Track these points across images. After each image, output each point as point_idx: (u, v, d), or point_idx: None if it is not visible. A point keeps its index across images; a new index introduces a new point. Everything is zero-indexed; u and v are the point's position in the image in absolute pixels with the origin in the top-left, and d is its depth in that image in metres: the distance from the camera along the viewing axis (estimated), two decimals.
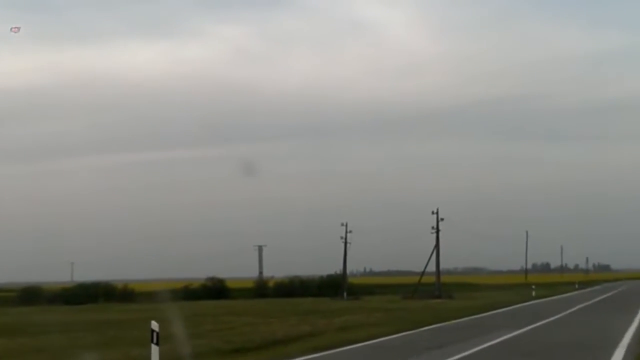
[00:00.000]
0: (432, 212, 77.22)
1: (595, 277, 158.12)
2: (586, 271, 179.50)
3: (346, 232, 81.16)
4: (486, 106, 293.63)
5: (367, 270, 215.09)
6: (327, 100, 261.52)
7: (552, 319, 32.97)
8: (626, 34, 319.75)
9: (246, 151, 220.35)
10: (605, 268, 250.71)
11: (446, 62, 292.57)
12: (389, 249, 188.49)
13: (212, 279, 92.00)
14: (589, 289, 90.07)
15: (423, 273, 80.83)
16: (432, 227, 77.13)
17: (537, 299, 56.74)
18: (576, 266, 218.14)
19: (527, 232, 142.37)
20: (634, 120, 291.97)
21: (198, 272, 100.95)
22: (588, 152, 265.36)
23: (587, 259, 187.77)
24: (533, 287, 63.70)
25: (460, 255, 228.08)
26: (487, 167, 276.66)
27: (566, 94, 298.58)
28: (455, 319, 33.78)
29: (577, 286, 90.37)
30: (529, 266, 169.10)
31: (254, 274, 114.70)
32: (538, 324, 29.70)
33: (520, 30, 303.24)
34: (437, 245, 77.70)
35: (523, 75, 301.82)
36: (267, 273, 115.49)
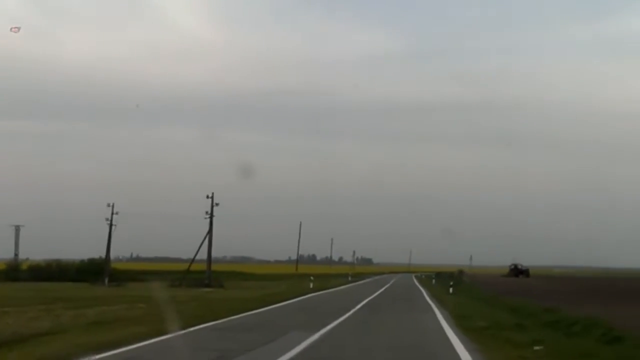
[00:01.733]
0: (207, 197, 71.42)
1: (360, 270, 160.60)
2: (353, 264, 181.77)
3: (112, 213, 74.25)
4: (263, 98, 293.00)
5: (135, 255, 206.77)
6: (106, 81, 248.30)
7: (347, 315, 27.37)
8: (408, 40, 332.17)
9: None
10: (368, 261, 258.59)
11: (228, 51, 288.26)
12: (159, 234, 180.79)
13: None
14: (362, 281, 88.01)
15: (193, 260, 74.90)
16: (207, 212, 71.41)
17: (317, 290, 51.83)
18: (340, 258, 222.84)
19: (300, 223, 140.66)
20: (407, 121, 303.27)
21: None
22: (358, 151, 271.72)
23: (354, 252, 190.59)
24: (311, 278, 58.93)
25: (229, 243, 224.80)
26: (262, 157, 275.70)
27: (346, 92, 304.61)
28: (232, 314, 27.35)
29: (350, 278, 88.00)
30: (295, 257, 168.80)
31: (11, 256, 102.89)
32: (336, 322, 23.82)
33: (306, 27, 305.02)
34: (210, 231, 71.82)
35: (306, 70, 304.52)
36: (24, 255, 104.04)
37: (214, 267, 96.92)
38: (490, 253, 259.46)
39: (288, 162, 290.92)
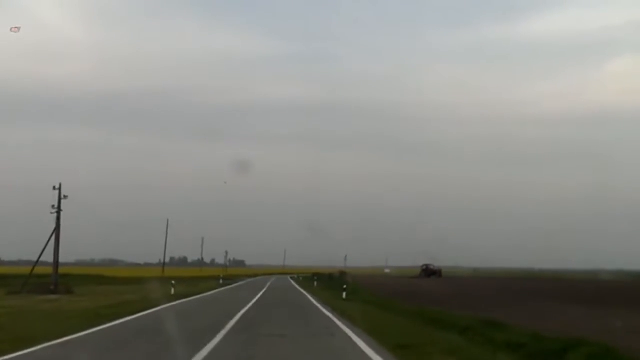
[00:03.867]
0: (54, 188, 58.40)
1: (233, 272, 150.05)
2: (225, 266, 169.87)
3: None
4: (134, 99, 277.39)
5: None
6: None
7: (213, 345, 16.02)
8: (279, 43, 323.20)
9: None
10: (241, 263, 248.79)
11: (95, 51, 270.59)
12: (21, 236, 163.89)
13: None
14: (235, 284, 76.51)
15: (37, 262, 61.53)
16: (53, 207, 58.31)
17: (179, 298, 39.96)
18: (213, 260, 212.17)
19: (168, 221, 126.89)
20: (279, 121, 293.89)
21: None
22: (231, 152, 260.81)
23: (226, 253, 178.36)
24: (172, 282, 46.54)
25: (98, 245, 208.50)
26: (133, 159, 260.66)
27: (216, 93, 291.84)
28: (31, 344, 15.81)
29: (221, 281, 75.88)
30: (167, 260, 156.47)
31: None
32: None
33: (173, 26, 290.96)
34: (57, 228, 58.57)
35: (172, 70, 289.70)
36: None
37: (76, 270, 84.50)
38: (364, 254, 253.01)
39: (160, 164, 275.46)
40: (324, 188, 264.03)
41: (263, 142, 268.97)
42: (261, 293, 50.97)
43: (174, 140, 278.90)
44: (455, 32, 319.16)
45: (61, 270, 65.15)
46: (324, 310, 30.45)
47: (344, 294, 41.36)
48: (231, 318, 24.59)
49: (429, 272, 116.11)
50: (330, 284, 72.13)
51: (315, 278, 79.46)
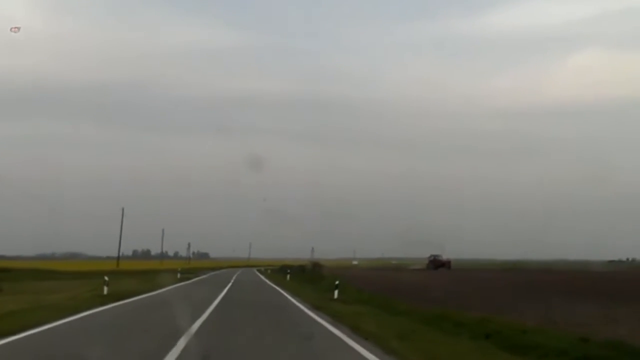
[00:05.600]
0: None
1: (196, 265, 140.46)
2: (188, 258, 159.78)
3: None
4: (93, 91, 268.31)
5: None
6: None
7: None
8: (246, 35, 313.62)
9: None
10: (205, 256, 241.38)
11: (66, 42, 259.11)
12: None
13: None
14: (196, 278, 65.86)
15: None
16: None
17: (115, 300, 29.01)
18: (176, 253, 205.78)
19: (123, 210, 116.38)
20: (242, 115, 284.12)
21: None
22: (192, 145, 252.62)
23: (189, 245, 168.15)
24: (106, 277, 35.14)
25: (60, 239, 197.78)
26: (92, 152, 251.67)
27: (179, 86, 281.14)
28: None
29: (179, 275, 64.85)
30: (129, 253, 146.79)
31: None
32: None
33: (140, 19, 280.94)
34: None
35: (135, 64, 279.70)
36: None
37: (28, 264, 77.28)
38: (331, 246, 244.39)
39: (122, 158, 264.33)
40: (290, 181, 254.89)
41: (231, 134, 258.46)
42: (225, 290, 40.16)
43: (138, 133, 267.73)
44: (420, 25, 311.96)
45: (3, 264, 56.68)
46: (322, 322, 19.75)
47: (336, 293, 30.99)
48: (175, 339, 13.99)
49: (436, 263, 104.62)
50: (305, 277, 62.04)
51: (288, 271, 68.84)
